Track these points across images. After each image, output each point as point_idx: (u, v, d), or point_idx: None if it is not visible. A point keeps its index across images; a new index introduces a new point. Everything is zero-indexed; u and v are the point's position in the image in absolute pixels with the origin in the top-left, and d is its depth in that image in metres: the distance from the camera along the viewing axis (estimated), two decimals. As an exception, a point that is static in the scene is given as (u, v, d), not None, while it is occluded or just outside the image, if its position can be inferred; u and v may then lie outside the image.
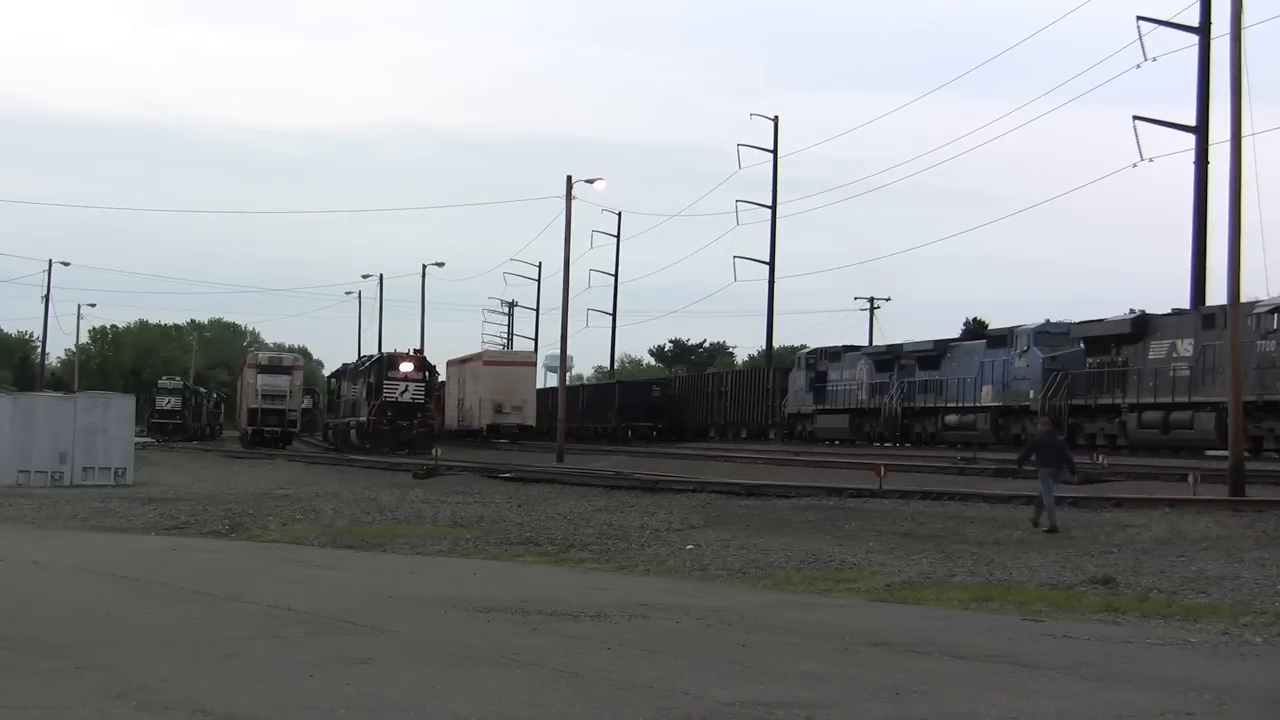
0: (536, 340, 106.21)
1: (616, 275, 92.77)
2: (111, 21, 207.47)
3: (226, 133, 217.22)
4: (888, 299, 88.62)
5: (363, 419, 63.29)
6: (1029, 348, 46.44)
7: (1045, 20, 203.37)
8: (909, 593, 14.66)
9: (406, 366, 61.64)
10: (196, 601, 13.20)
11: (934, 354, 52.79)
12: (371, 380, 62.63)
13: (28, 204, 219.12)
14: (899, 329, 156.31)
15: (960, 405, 50.13)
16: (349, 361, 77.49)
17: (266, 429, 71.75)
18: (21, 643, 10.49)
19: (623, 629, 11.52)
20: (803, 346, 70.84)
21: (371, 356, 68.97)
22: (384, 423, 60.28)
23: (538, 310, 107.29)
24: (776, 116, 75.20)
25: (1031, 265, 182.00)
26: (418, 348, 68.06)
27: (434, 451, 49.04)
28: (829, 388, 58.94)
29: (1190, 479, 25.66)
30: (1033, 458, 23.24)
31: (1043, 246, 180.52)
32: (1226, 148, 27.12)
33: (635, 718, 8.04)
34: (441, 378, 75.67)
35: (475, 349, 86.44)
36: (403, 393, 60.47)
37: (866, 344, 70.20)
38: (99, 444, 36.87)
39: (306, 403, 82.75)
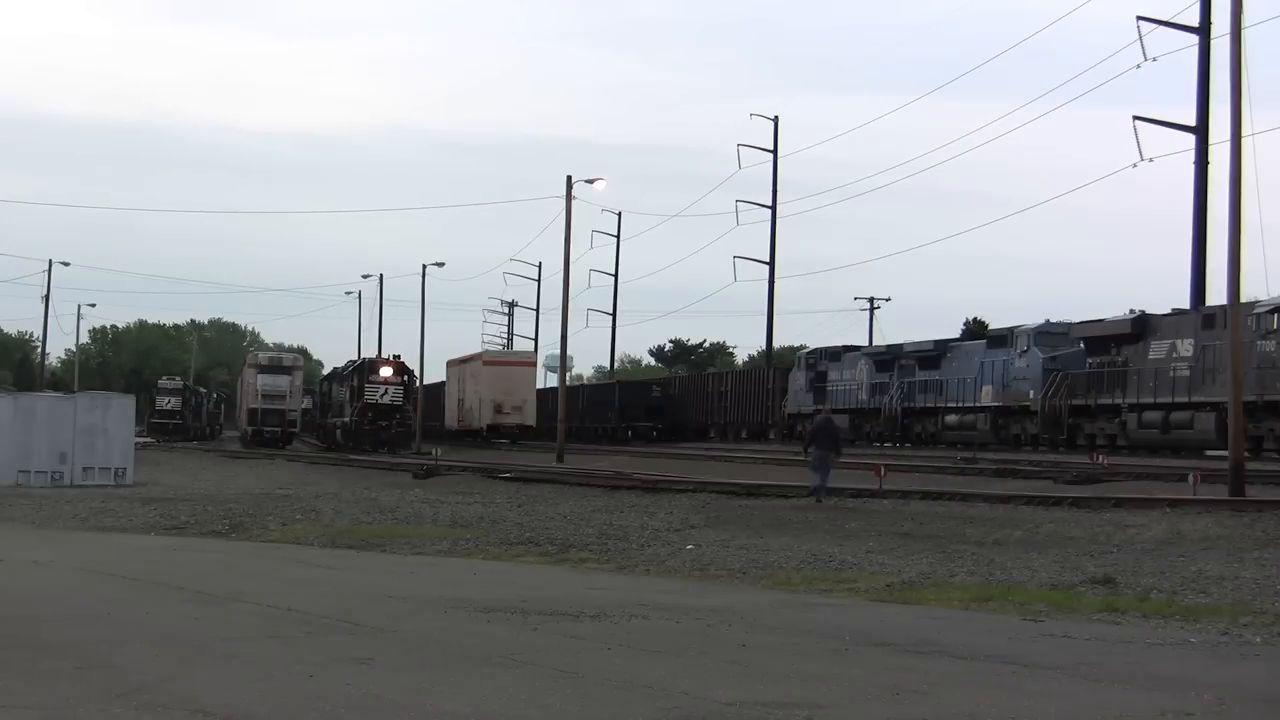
0: (536, 340, 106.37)
1: (616, 275, 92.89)
2: (111, 23, 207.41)
3: (226, 133, 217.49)
4: (888, 299, 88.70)
5: (347, 419, 67.66)
6: (1029, 348, 46.45)
7: (1045, 20, 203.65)
8: (909, 593, 14.65)
9: (386, 371, 66.14)
10: (196, 601, 13.18)
11: (934, 354, 52.80)
12: (354, 383, 67.02)
13: (28, 204, 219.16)
14: (899, 329, 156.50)
15: (960, 405, 50.15)
16: (339, 366, 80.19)
17: (266, 429, 71.98)
18: (21, 642, 10.47)
19: (623, 629, 11.51)
20: (803, 346, 70.83)
21: (355, 361, 72.99)
22: (365, 423, 64.84)
23: (538, 310, 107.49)
24: (776, 117, 75.40)
25: (1031, 265, 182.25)
26: (398, 354, 71.17)
27: (434, 451, 49.63)
28: (829, 388, 58.94)
29: (1190, 479, 25.65)
30: (811, 446, 28.46)
31: (1043, 246, 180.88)
32: (1226, 148, 27.13)
33: (635, 718, 8.03)
34: (440, 378, 76.38)
35: (475, 349, 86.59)
36: (382, 395, 65.02)
37: (866, 344, 70.19)
38: (99, 444, 36.90)
39: (306, 403, 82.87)
